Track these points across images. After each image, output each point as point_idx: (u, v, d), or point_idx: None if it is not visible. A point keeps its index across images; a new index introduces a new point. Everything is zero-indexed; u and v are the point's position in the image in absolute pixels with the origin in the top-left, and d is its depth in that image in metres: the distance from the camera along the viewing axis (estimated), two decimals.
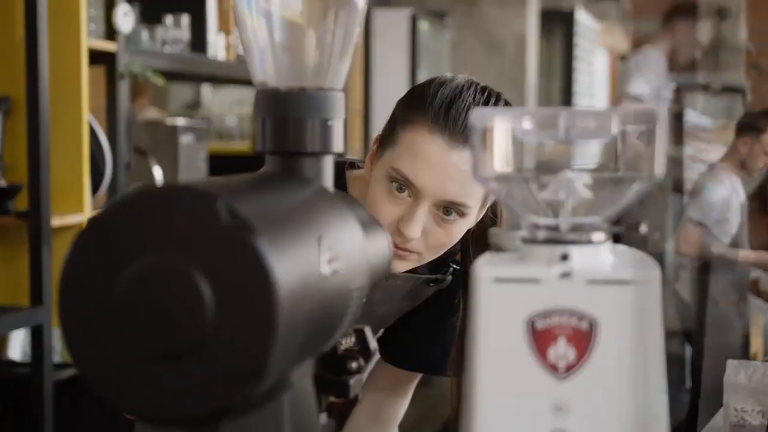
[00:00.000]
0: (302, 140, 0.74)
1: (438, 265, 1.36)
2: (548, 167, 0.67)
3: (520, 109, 0.65)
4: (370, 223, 0.80)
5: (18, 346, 2.73)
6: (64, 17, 2.45)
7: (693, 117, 4.43)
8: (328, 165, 0.76)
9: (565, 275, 0.62)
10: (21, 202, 2.39)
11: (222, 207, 0.57)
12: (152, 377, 0.57)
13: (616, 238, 0.67)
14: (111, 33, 2.61)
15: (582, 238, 0.64)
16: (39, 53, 2.32)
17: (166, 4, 3.05)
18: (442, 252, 1.27)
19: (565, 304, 0.62)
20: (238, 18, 0.77)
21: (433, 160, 1.19)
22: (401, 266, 1.25)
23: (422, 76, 6.26)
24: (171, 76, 3.32)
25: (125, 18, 2.56)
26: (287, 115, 0.74)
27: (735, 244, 4.29)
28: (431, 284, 1.37)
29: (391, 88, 4.80)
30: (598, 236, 0.65)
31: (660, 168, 0.63)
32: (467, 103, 1.21)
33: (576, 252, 0.63)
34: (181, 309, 0.57)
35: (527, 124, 0.64)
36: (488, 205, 1.29)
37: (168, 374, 0.57)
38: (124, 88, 2.61)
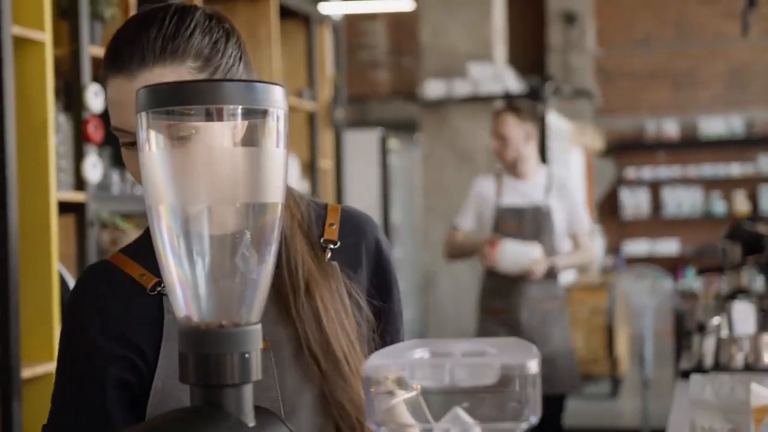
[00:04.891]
0: (222, 374, 0.81)
1: None
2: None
3: (410, 359, 0.71)
4: None
5: None
6: (33, 170, 2.51)
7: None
8: (247, 393, 0.82)
9: None
10: None
11: None
12: None
13: None
14: (80, 182, 2.68)
15: None
16: (8, 206, 2.38)
17: None
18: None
19: None
20: (160, 261, 0.84)
21: (125, 99, 1.13)
22: None
23: (394, 192, 6.38)
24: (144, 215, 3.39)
25: (94, 169, 2.65)
26: (208, 351, 0.81)
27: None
28: None
29: (363, 206, 4.88)
30: None
31: (537, 412, 0.69)
32: (128, 30, 1.15)
33: None
34: None
35: (417, 373, 0.70)
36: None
37: None
38: (93, 236, 2.68)
